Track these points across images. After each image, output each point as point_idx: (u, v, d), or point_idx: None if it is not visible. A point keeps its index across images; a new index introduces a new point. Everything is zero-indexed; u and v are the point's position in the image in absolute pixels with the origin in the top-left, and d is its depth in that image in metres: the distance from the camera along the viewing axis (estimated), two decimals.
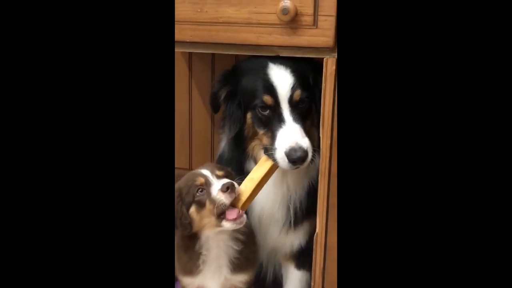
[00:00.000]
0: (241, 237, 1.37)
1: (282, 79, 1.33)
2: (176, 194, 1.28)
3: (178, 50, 1.41)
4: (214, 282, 1.37)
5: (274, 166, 1.33)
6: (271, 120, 1.34)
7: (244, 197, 1.28)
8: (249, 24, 1.29)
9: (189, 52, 1.91)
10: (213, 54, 1.88)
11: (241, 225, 1.27)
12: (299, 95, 1.33)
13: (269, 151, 1.33)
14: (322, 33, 1.23)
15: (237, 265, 1.37)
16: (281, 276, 1.63)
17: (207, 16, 1.32)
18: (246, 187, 1.30)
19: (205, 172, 1.30)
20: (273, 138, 1.33)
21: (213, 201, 1.25)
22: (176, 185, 1.30)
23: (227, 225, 1.26)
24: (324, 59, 1.25)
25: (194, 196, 1.27)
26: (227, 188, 1.23)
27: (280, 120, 1.33)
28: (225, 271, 1.37)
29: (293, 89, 1.33)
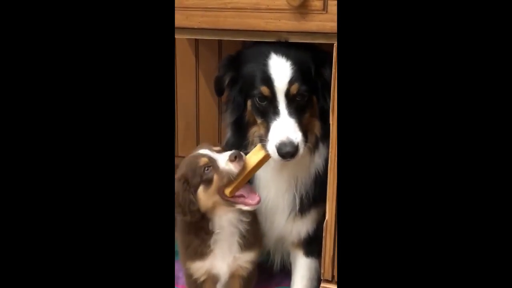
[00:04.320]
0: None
1: (280, 71, 1.31)
2: (180, 182, 1.29)
3: (186, 36, 1.41)
4: (224, 263, 1.39)
5: (267, 156, 1.33)
6: (268, 111, 1.34)
7: (234, 183, 1.28)
8: (257, 9, 1.27)
9: (195, 40, 1.90)
10: (220, 41, 1.87)
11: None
12: (296, 88, 1.31)
13: (263, 141, 1.34)
14: (331, 18, 1.21)
15: (246, 242, 1.39)
16: (290, 264, 1.63)
17: (216, 2, 1.30)
18: None
19: (204, 151, 1.31)
20: (267, 129, 1.33)
21: (221, 173, 1.27)
22: (178, 174, 1.31)
23: (247, 208, 1.30)
24: (334, 44, 1.23)
25: (201, 176, 1.28)
26: (235, 157, 1.26)
27: (275, 112, 1.32)
28: (235, 250, 1.39)
29: (291, 82, 1.31)
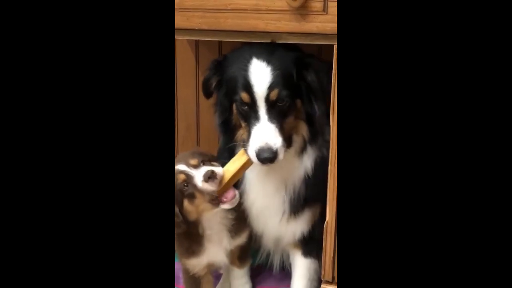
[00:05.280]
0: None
1: (260, 77, 1.30)
2: None
3: (186, 38, 1.40)
4: (220, 253, 1.46)
5: (250, 161, 1.35)
6: (249, 116, 1.34)
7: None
8: (257, 10, 1.27)
9: (195, 40, 1.90)
10: (220, 42, 1.87)
11: (237, 203, 1.35)
12: (276, 94, 1.30)
13: (245, 146, 1.35)
14: (332, 19, 1.21)
15: (234, 230, 1.46)
16: (289, 265, 1.63)
17: (216, 3, 1.30)
18: None
19: (181, 167, 1.33)
20: (249, 134, 1.33)
21: (201, 192, 1.30)
22: None
23: (225, 206, 1.34)
24: (334, 46, 1.23)
25: (183, 192, 1.32)
26: (208, 178, 1.28)
27: (256, 118, 1.32)
28: (225, 241, 1.45)
29: (271, 88, 1.29)
